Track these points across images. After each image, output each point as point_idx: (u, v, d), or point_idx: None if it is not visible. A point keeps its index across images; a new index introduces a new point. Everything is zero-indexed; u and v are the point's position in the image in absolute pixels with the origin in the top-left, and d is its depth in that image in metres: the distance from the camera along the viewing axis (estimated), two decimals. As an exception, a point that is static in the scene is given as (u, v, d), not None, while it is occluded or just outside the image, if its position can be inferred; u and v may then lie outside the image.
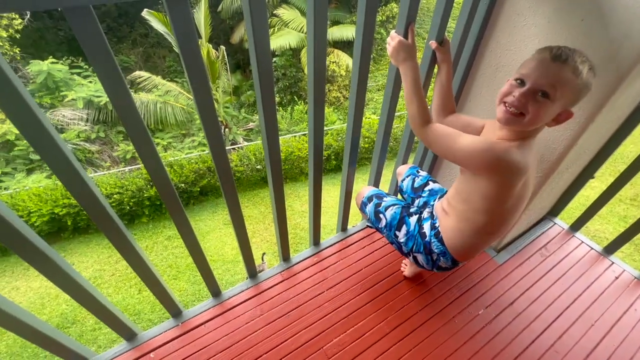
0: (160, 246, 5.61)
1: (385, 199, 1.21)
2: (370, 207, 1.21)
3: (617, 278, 1.46)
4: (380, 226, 1.17)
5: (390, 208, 1.16)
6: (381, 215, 1.16)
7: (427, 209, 1.14)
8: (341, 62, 9.34)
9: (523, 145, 0.80)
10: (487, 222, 0.91)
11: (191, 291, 4.89)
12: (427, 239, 1.03)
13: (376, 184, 1.49)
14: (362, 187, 1.33)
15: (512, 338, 1.25)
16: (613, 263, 1.52)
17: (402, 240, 1.10)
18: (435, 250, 1.02)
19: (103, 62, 0.60)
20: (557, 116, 0.78)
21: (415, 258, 1.09)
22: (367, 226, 1.28)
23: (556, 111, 0.77)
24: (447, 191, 1.15)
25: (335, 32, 9.33)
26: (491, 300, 1.37)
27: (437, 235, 1.01)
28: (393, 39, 0.97)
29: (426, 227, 1.05)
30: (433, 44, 1.08)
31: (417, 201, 1.24)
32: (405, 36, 0.97)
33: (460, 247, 0.98)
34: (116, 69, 0.62)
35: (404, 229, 1.10)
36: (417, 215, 1.10)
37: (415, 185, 1.27)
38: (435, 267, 1.06)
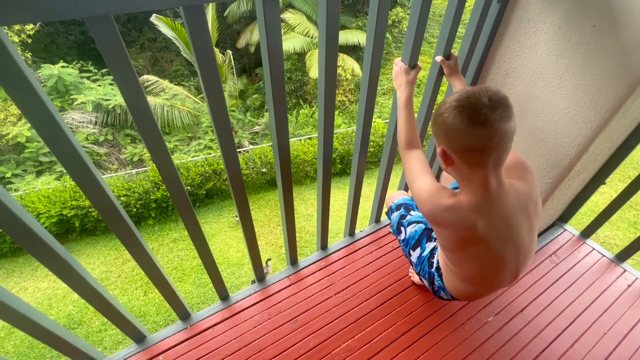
0: (166, 248, 5.64)
1: (412, 212, 1.18)
2: (395, 216, 1.19)
3: (629, 286, 1.44)
4: (399, 238, 1.17)
5: (413, 225, 1.12)
6: (402, 229, 1.15)
7: None
8: (347, 66, 9.37)
9: (472, 204, 0.72)
10: (464, 276, 0.87)
11: (196, 294, 4.90)
12: (433, 270, 1.02)
13: (384, 188, 1.49)
14: (396, 191, 1.32)
15: (522, 346, 1.23)
16: (625, 271, 1.50)
17: (413, 260, 1.10)
18: (436, 284, 1.01)
19: (121, 67, 0.62)
20: (441, 156, 0.73)
21: (421, 279, 1.10)
22: (390, 232, 1.27)
23: (438, 149, 0.74)
24: None
25: (341, 37, 9.38)
26: (501, 307, 1.35)
27: (439, 270, 0.99)
28: (397, 65, 1.05)
29: (436, 258, 1.02)
30: (439, 58, 1.09)
31: None
32: (411, 66, 1.04)
33: (454, 290, 0.95)
34: (133, 74, 0.63)
35: (418, 250, 1.08)
36: (435, 243, 1.07)
37: None
38: (437, 295, 1.06)
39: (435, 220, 0.77)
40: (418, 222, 1.13)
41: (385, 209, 1.33)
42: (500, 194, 0.72)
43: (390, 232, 1.62)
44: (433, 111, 0.77)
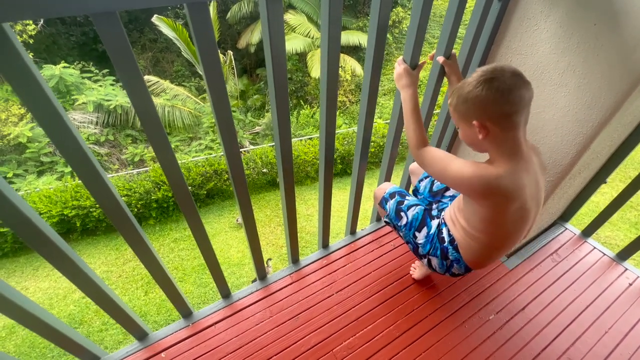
0: (167, 248, 5.65)
1: (407, 197, 1.20)
2: (391, 204, 1.20)
3: (630, 285, 1.44)
4: (399, 224, 1.16)
5: (413, 208, 1.14)
6: (402, 214, 1.15)
7: (444, 212, 1.14)
8: (347, 67, 9.38)
9: (513, 167, 0.79)
10: (491, 240, 0.92)
11: (197, 294, 4.90)
12: (445, 244, 1.03)
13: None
14: (383, 183, 1.32)
15: (523, 344, 1.24)
16: (626, 269, 1.50)
17: (420, 241, 1.09)
18: (450, 257, 1.02)
19: (126, 64, 0.62)
20: (479, 128, 0.80)
21: (429, 261, 1.09)
22: (385, 222, 1.25)
23: (468, 124, 0.82)
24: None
25: (342, 37, 9.38)
26: (502, 306, 1.35)
27: (453, 242, 1.01)
28: (400, 65, 1.04)
29: (445, 232, 1.04)
30: (440, 59, 1.09)
31: (435, 205, 1.22)
32: (412, 66, 1.03)
33: (472, 258, 0.98)
34: (137, 71, 0.64)
35: (424, 230, 1.09)
36: (438, 220, 1.10)
37: (434, 188, 1.25)
38: (449, 272, 1.07)
39: (489, 191, 0.80)
40: (417, 205, 1.15)
41: (375, 203, 1.32)
42: (530, 153, 0.83)
43: (388, 227, 1.62)
44: (451, 97, 0.85)
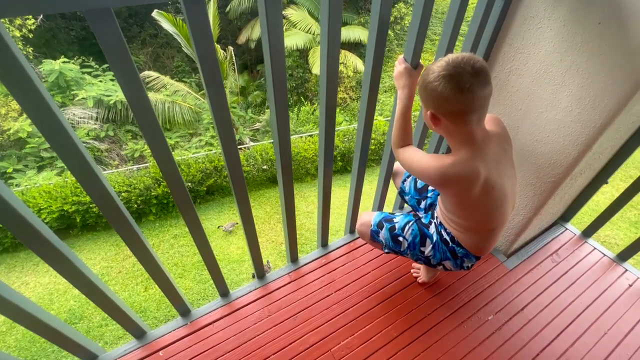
0: (167, 244, 5.65)
1: (395, 219, 1.17)
2: (384, 234, 1.16)
3: (630, 286, 1.43)
4: (402, 249, 1.13)
5: (407, 227, 1.12)
6: (400, 238, 1.12)
7: (435, 211, 1.14)
8: (349, 63, 9.33)
9: (465, 154, 0.82)
10: (475, 223, 0.94)
11: (197, 290, 4.92)
12: (450, 245, 1.03)
13: (386, 184, 1.48)
14: (362, 215, 1.27)
15: (522, 345, 1.23)
16: (627, 270, 1.49)
17: (429, 254, 1.08)
18: (459, 254, 1.03)
19: (121, 62, 0.61)
20: (431, 119, 0.83)
21: (443, 266, 1.09)
22: (386, 252, 1.19)
23: (425, 109, 0.84)
24: None
25: (343, 33, 9.33)
26: (501, 306, 1.35)
27: (454, 239, 1.02)
28: (400, 64, 1.03)
29: (444, 233, 1.04)
30: None
31: (422, 203, 1.22)
32: (413, 65, 1.02)
33: (475, 246, 1.00)
34: (133, 70, 0.63)
35: (428, 242, 1.08)
36: (433, 222, 1.09)
37: (419, 185, 1.25)
38: (462, 267, 1.08)
39: (445, 179, 0.84)
40: (408, 222, 1.13)
41: (365, 239, 1.27)
42: (486, 140, 0.85)
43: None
44: (420, 77, 0.86)
